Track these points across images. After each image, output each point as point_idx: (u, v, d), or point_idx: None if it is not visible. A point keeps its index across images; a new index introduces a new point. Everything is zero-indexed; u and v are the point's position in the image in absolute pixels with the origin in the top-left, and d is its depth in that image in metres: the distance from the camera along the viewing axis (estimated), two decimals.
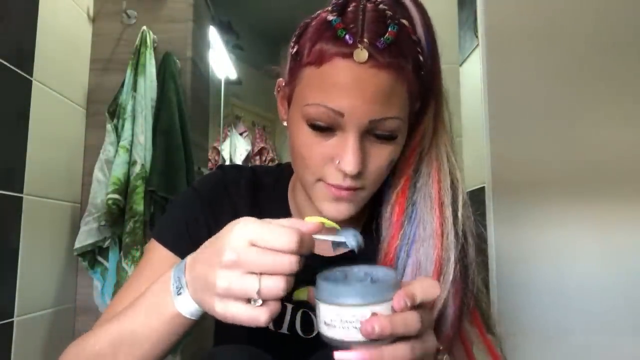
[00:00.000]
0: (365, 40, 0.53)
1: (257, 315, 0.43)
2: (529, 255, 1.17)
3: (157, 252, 0.67)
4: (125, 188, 1.60)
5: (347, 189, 0.58)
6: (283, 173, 0.75)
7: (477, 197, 1.32)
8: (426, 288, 0.45)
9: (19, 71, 1.42)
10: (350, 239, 0.50)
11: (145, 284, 0.59)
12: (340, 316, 0.43)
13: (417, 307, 0.44)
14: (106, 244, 1.65)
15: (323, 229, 0.48)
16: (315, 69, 0.56)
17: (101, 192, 1.64)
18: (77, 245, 1.60)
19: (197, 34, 1.99)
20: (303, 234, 0.44)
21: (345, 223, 0.69)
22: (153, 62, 1.76)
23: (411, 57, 0.56)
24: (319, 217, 0.49)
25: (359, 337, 0.42)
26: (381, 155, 0.58)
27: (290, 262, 0.42)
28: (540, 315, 1.11)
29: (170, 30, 1.88)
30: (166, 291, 0.50)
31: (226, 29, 3.32)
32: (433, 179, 0.62)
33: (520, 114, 1.24)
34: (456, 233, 0.60)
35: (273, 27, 3.90)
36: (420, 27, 0.58)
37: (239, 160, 3.55)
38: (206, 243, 0.49)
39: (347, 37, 0.53)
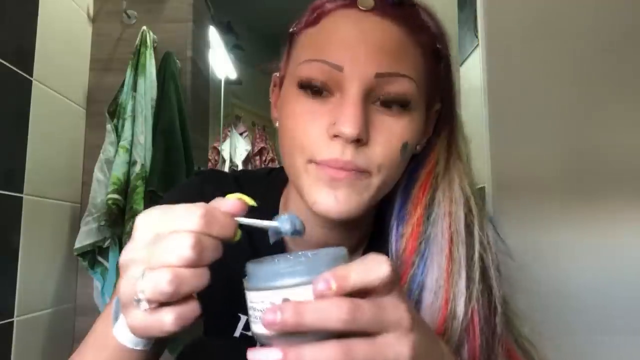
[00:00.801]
0: None
1: (158, 322, 0.33)
2: (529, 256, 1.17)
3: None
4: (125, 188, 1.60)
5: (346, 167, 0.46)
6: (274, 183, 0.63)
7: None
8: (367, 265, 0.33)
9: (19, 71, 1.42)
10: (284, 224, 0.39)
11: None
12: (254, 304, 0.34)
13: (361, 294, 0.32)
14: (106, 244, 1.65)
15: (246, 210, 0.38)
16: (312, 29, 0.49)
17: (101, 192, 1.64)
18: (77, 245, 1.60)
19: (197, 34, 1.99)
20: (211, 209, 0.34)
21: (345, 245, 0.61)
22: (153, 62, 1.76)
23: (426, 33, 0.49)
24: (235, 194, 0.39)
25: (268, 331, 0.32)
26: (391, 129, 0.47)
27: (181, 244, 0.32)
28: (540, 315, 1.11)
29: (170, 30, 1.88)
30: (109, 323, 0.41)
31: (226, 29, 3.32)
32: (445, 213, 0.52)
33: (520, 114, 1.24)
34: (468, 279, 0.50)
35: (273, 27, 3.90)
36: (439, 32, 0.52)
37: (238, 160, 3.55)
38: None
39: None
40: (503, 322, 0.52)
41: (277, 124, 0.55)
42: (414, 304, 0.50)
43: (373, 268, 0.32)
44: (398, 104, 0.47)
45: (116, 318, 0.40)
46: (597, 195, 1.19)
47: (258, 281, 0.34)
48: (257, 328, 0.34)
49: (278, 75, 0.56)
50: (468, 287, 0.50)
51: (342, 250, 0.36)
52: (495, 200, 1.20)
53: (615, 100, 1.21)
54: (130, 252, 0.34)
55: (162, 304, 0.33)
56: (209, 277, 0.34)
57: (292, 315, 0.30)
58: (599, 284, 1.16)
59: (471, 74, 1.63)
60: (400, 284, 0.49)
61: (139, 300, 0.33)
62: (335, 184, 0.47)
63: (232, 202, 0.37)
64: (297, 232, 0.39)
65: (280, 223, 0.39)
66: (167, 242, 0.33)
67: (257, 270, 0.34)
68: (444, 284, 0.50)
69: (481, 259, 0.52)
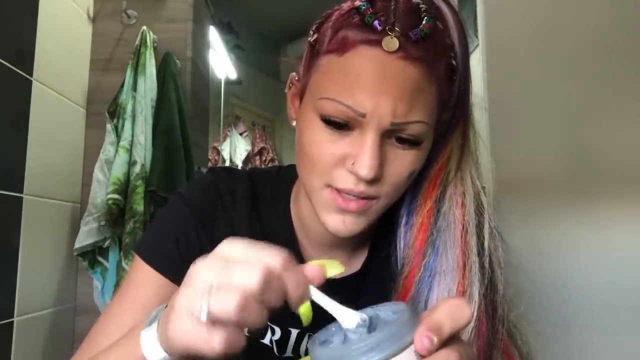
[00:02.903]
0: (397, 29, 0.47)
1: (207, 341, 0.34)
2: (529, 256, 1.17)
3: (142, 273, 0.58)
4: (125, 188, 1.60)
5: (358, 196, 0.50)
6: (284, 181, 0.66)
7: None
8: (454, 312, 0.34)
9: (19, 71, 1.42)
10: (352, 323, 0.36)
11: (129, 311, 0.54)
12: None
13: (450, 340, 0.34)
14: (106, 244, 1.65)
15: (324, 281, 0.38)
16: (336, 58, 0.49)
17: (101, 192, 1.64)
18: (77, 245, 1.60)
19: (197, 34, 1.99)
20: (293, 263, 0.36)
21: (352, 241, 0.62)
22: (153, 62, 1.76)
23: (444, 59, 0.50)
24: (320, 260, 0.38)
25: None
26: (402, 162, 0.51)
27: (253, 274, 0.33)
28: (540, 315, 1.11)
29: (170, 30, 1.88)
30: (136, 339, 0.41)
31: (226, 29, 3.32)
32: (457, 204, 0.55)
33: (520, 113, 1.24)
34: (481, 266, 0.53)
35: (273, 27, 3.90)
36: (455, 32, 0.51)
37: (238, 160, 3.55)
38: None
39: (376, 23, 0.47)
40: (503, 304, 0.55)
41: (293, 123, 0.58)
42: (427, 290, 0.53)
43: (459, 313, 0.34)
44: (410, 143, 0.51)
45: (149, 324, 0.40)
46: (597, 195, 1.19)
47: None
48: None
49: (296, 78, 0.58)
50: (482, 273, 0.53)
51: (406, 306, 0.36)
52: (495, 200, 1.20)
53: (615, 100, 1.21)
54: (203, 266, 0.35)
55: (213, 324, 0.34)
56: (266, 322, 0.35)
57: None
58: (599, 284, 1.16)
59: (471, 73, 1.63)
60: (413, 271, 0.53)
61: (200, 310, 0.33)
62: (345, 212, 0.51)
63: (312, 267, 0.37)
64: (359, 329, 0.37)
65: (349, 324, 0.37)
66: (240, 268, 0.34)
67: (346, 355, 0.33)
68: (460, 271, 0.52)
69: (489, 246, 0.55)
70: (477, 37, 1.42)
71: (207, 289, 0.34)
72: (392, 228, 0.59)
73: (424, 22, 0.48)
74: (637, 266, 1.14)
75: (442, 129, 0.56)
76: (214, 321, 0.34)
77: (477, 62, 1.39)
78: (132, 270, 0.60)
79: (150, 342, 0.39)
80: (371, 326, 0.36)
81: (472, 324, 0.51)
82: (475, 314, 0.52)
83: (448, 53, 0.51)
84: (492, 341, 0.53)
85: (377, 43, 0.47)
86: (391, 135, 0.50)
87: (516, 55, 1.27)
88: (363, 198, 0.51)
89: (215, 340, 0.34)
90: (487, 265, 0.54)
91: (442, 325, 0.33)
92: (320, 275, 0.37)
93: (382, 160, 0.49)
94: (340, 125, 0.50)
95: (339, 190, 0.51)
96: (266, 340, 0.61)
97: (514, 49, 1.27)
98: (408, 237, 0.56)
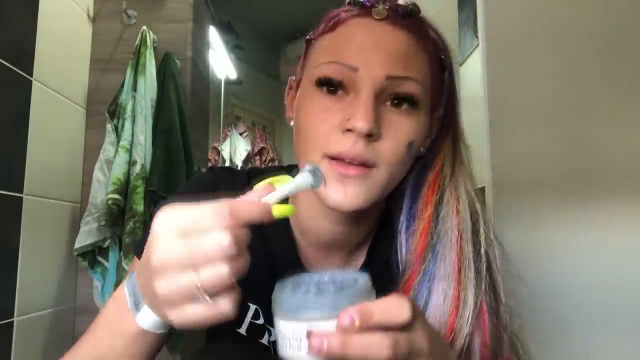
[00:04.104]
0: (386, 5, 0.52)
1: (218, 311, 0.36)
2: (529, 256, 1.17)
3: None
4: (125, 188, 1.60)
5: (356, 158, 0.50)
6: None
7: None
8: (389, 307, 0.35)
9: (19, 71, 1.42)
10: (307, 177, 0.42)
11: None
12: (283, 331, 0.37)
13: (404, 328, 0.35)
14: (106, 244, 1.65)
15: (271, 190, 0.41)
16: (329, 35, 0.53)
17: (101, 192, 1.64)
18: (77, 245, 1.60)
19: (197, 34, 1.99)
20: (234, 204, 0.37)
21: (350, 241, 0.62)
22: (153, 62, 1.76)
23: (431, 43, 0.54)
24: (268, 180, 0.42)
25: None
26: (399, 127, 0.51)
27: (221, 239, 0.35)
28: (540, 315, 1.11)
29: (170, 30, 1.88)
30: (123, 309, 0.44)
31: (226, 29, 3.32)
32: (453, 210, 0.56)
33: (520, 114, 1.24)
34: (477, 271, 0.54)
35: (273, 27, 3.91)
36: (441, 43, 0.57)
37: (238, 160, 3.55)
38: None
39: (364, 1, 0.53)
40: (507, 312, 0.55)
41: (291, 123, 0.59)
42: (426, 294, 0.54)
43: (395, 311, 0.35)
44: (407, 103, 0.52)
45: (137, 309, 0.43)
46: (596, 195, 1.19)
47: (287, 311, 0.36)
48: (287, 352, 0.36)
49: (294, 78, 0.60)
50: (477, 279, 0.53)
51: (366, 283, 0.38)
52: (495, 200, 1.20)
53: (615, 101, 1.21)
54: (165, 253, 0.36)
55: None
56: (249, 258, 0.38)
57: (340, 345, 0.33)
58: (598, 284, 1.16)
59: (471, 73, 1.63)
60: (413, 275, 0.54)
61: (201, 296, 0.35)
62: (345, 181, 0.51)
63: (255, 189, 0.40)
64: (322, 181, 0.43)
65: (305, 180, 0.42)
66: (208, 242, 0.35)
67: (286, 300, 0.37)
68: (455, 276, 0.53)
69: (486, 254, 0.55)
70: (477, 37, 1.42)
71: (190, 275, 0.35)
72: (390, 234, 0.60)
73: (411, 7, 0.53)
74: (636, 266, 1.14)
75: (434, 126, 0.58)
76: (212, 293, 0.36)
77: (477, 62, 1.39)
78: (130, 270, 0.60)
79: (147, 319, 0.43)
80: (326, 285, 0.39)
81: (466, 330, 0.52)
82: (469, 320, 0.52)
83: (435, 42, 0.54)
84: (496, 350, 0.53)
85: (367, 14, 0.51)
86: (386, 95, 0.51)
87: (516, 55, 1.27)
88: (362, 165, 0.51)
89: (225, 309, 0.36)
90: (483, 271, 0.54)
91: (371, 313, 0.34)
92: (266, 189, 0.40)
93: (378, 120, 0.50)
94: (335, 86, 0.51)
95: (337, 159, 0.51)
96: (264, 341, 0.61)
97: (514, 49, 1.27)
98: (410, 242, 0.57)
